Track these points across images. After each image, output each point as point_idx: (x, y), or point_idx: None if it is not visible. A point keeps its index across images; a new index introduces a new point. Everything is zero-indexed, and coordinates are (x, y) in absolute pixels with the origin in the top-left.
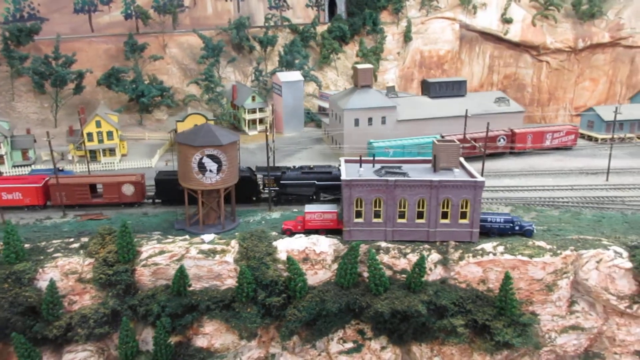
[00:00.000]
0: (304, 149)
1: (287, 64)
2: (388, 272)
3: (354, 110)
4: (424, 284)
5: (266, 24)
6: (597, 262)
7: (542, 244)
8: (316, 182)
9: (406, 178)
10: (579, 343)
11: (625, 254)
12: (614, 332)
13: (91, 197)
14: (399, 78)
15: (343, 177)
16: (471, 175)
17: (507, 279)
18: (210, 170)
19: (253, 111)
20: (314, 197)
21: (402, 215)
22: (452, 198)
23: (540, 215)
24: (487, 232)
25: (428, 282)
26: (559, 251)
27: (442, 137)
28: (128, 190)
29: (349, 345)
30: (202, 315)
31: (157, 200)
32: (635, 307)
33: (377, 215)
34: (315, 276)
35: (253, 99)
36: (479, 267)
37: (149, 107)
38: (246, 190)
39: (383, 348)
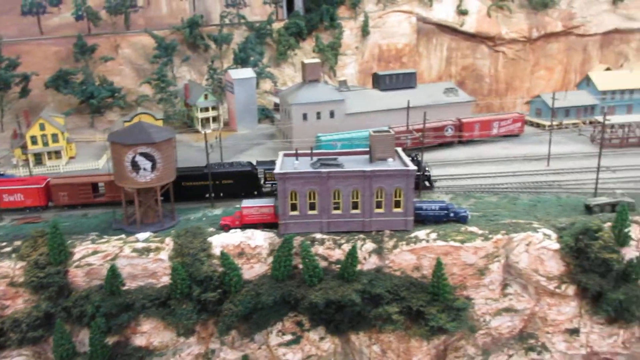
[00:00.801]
0: (256, 145)
1: (241, 62)
2: (323, 263)
3: (302, 105)
4: (357, 273)
5: (221, 22)
6: (527, 244)
7: (474, 229)
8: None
9: (339, 169)
10: (513, 325)
11: (554, 235)
12: (545, 313)
13: (93, 196)
14: (358, 72)
15: (276, 170)
16: (405, 165)
17: (438, 265)
18: (144, 169)
19: (206, 109)
20: None
21: (337, 207)
22: (385, 187)
23: (479, 202)
24: (423, 220)
25: (363, 272)
26: (490, 236)
27: (390, 128)
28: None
29: (288, 337)
30: (138, 314)
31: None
32: (563, 287)
33: (312, 207)
34: (252, 270)
35: (205, 97)
36: (412, 255)
37: (101, 108)
38: (247, 184)
39: (322, 338)
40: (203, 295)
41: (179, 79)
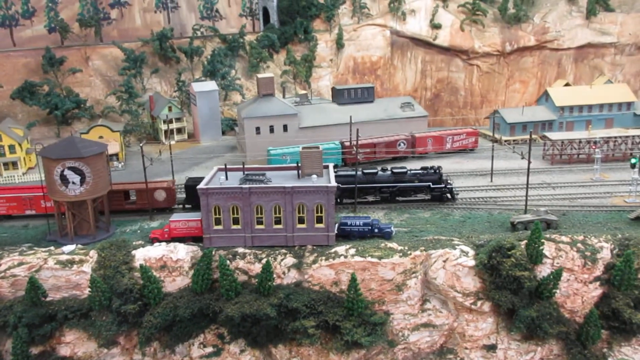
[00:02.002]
0: (215, 157)
1: (210, 74)
2: (243, 277)
3: (254, 119)
4: (273, 287)
5: (192, 35)
6: (444, 261)
7: (394, 245)
8: (340, 186)
9: (260, 185)
10: (433, 340)
11: (471, 252)
12: (463, 328)
13: (125, 204)
14: (333, 84)
15: (200, 185)
16: (329, 181)
17: (352, 280)
18: (73, 182)
19: (170, 121)
20: (338, 199)
21: (260, 222)
22: (306, 203)
23: (412, 217)
24: (348, 235)
25: (282, 286)
26: (409, 252)
27: (341, 143)
28: (160, 196)
29: (209, 349)
30: (61, 325)
31: (187, 205)
32: (479, 303)
33: (235, 222)
34: (174, 283)
35: (169, 109)
36: (331, 270)
37: (68, 119)
38: None
39: (242, 351)
40: (123, 307)
41: (149, 91)
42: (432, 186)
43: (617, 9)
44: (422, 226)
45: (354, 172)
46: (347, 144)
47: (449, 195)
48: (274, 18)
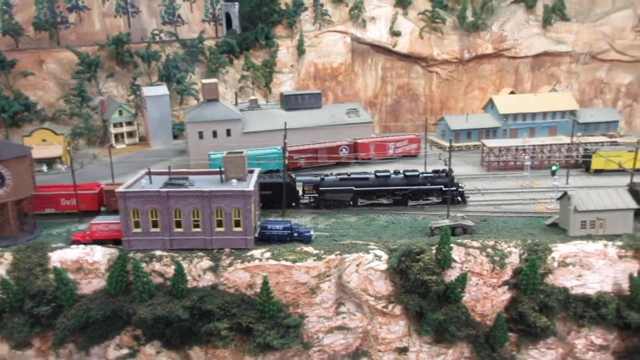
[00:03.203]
0: (162, 161)
1: (165, 79)
2: (159, 280)
3: (197, 123)
4: (186, 290)
5: (150, 39)
6: (357, 265)
7: (309, 249)
8: (354, 188)
9: (178, 189)
10: (347, 342)
11: (385, 257)
12: (377, 331)
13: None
14: (295, 90)
15: (118, 189)
16: (248, 186)
17: (264, 284)
18: None
19: (120, 125)
20: (352, 202)
21: (179, 225)
22: (224, 207)
23: (338, 221)
24: (268, 239)
25: (197, 288)
26: (323, 256)
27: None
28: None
29: (125, 351)
30: None
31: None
32: (390, 306)
33: (155, 225)
34: (90, 285)
35: (120, 112)
36: (246, 273)
37: (18, 122)
38: (287, 196)
39: (158, 353)
40: (35, 309)
41: (106, 95)
42: (443, 189)
43: (572, 18)
44: (344, 231)
45: (367, 176)
46: (290, 149)
47: (459, 198)
48: (235, 24)
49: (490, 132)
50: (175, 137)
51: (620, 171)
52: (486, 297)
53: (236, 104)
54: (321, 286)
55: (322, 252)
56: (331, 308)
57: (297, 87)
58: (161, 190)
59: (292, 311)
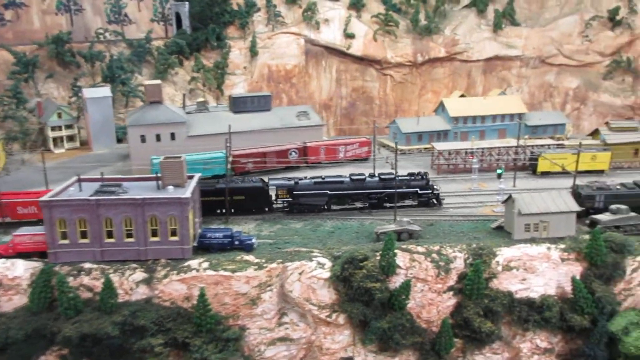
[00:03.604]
0: (104, 166)
1: (110, 80)
2: (87, 295)
3: (139, 127)
4: (115, 305)
5: (92, 39)
6: (300, 273)
7: (250, 258)
8: (329, 192)
9: (108, 197)
10: (291, 354)
11: (328, 264)
12: (321, 341)
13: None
14: (248, 92)
15: (42, 198)
16: (185, 193)
17: (201, 296)
18: None
19: (59, 128)
20: (326, 206)
21: (110, 235)
22: (159, 216)
23: (283, 227)
24: (208, 248)
25: (129, 303)
26: (265, 264)
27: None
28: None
29: None
30: None
31: None
32: (334, 315)
33: (84, 235)
34: (10, 302)
35: (59, 115)
36: (183, 285)
37: None
38: (258, 201)
39: None
40: None
41: (44, 96)
42: (419, 192)
43: (522, 23)
44: (289, 237)
45: (341, 179)
46: (236, 153)
47: (435, 200)
48: (186, 24)
49: (441, 135)
50: (119, 140)
51: (566, 173)
52: (431, 303)
53: (184, 107)
54: (262, 296)
55: (263, 260)
56: (273, 319)
57: (250, 89)
58: (90, 198)
59: (232, 323)
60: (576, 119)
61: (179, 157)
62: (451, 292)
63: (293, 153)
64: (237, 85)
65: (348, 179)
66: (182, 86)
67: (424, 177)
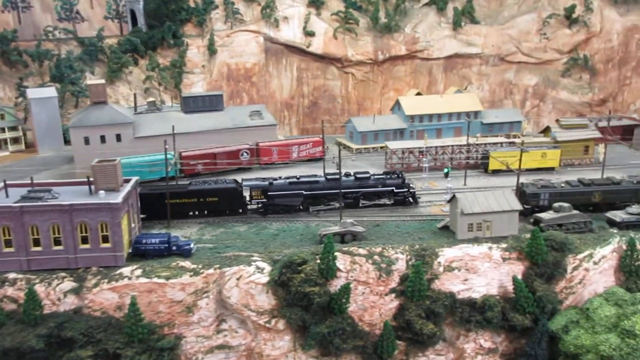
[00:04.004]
0: (48, 169)
1: (58, 79)
2: (12, 307)
3: (82, 128)
4: (40, 317)
5: (39, 37)
6: (238, 279)
7: (186, 264)
8: (304, 192)
9: (33, 203)
10: None
11: (268, 269)
12: (261, 348)
13: None
14: (207, 91)
15: None
16: (121, 197)
17: (132, 305)
18: None
19: (2, 130)
20: (301, 207)
21: (37, 243)
22: (89, 222)
23: (227, 231)
24: (144, 254)
25: (57, 313)
26: (201, 270)
27: (180, 154)
28: None
29: None
30: None
31: (141, 215)
32: (273, 321)
33: (8, 244)
34: None
35: (2, 117)
36: (114, 293)
37: None
38: (232, 202)
39: None
40: None
41: None
42: (395, 190)
43: (482, 21)
44: (231, 241)
45: (317, 179)
46: (185, 154)
47: (411, 199)
48: (141, 21)
49: (398, 134)
50: (67, 142)
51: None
52: (373, 306)
53: (135, 107)
54: (198, 303)
55: (200, 266)
56: (211, 326)
57: (209, 88)
58: (13, 205)
59: (168, 332)
60: (536, 116)
61: (113, 161)
62: (393, 295)
63: (245, 154)
64: (196, 84)
65: (324, 179)
66: (137, 85)
67: (400, 175)
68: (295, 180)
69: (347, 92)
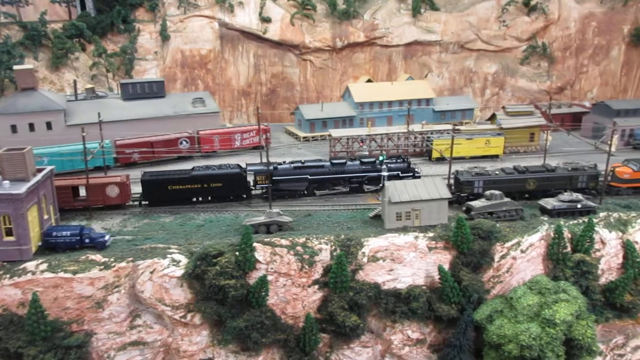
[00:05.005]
0: None
1: None
2: None
3: (8, 116)
4: None
5: None
6: (151, 272)
7: (97, 257)
8: (309, 177)
9: None
10: (145, 358)
11: (185, 261)
12: (178, 343)
13: (74, 201)
14: (161, 78)
15: None
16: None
17: (33, 302)
18: None
19: None
20: (306, 192)
21: None
22: None
23: (151, 222)
24: (54, 247)
25: None
26: (112, 264)
27: (114, 142)
28: (112, 191)
29: None
30: None
31: (144, 202)
32: (189, 316)
33: None
34: None
35: None
36: (17, 289)
37: None
38: (236, 188)
39: None
40: None
41: None
42: (400, 175)
43: (442, 8)
44: (153, 233)
45: (322, 163)
46: (120, 143)
47: None
48: (90, 5)
49: (347, 121)
50: None
51: (460, 159)
52: (296, 298)
53: (75, 94)
54: (109, 299)
55: (111, 259)
56: (124, 322)
57: (163, 74)
58: None
59: (76, 329)
60: (496, 103)
61: (22, 149)
62: (316, 286)
63: (184, 142)
64: (149, 71)
65: (329, 163)
66: (85, 72)
67: (405, 160)
68: (300, 164)
69: (306, 80)
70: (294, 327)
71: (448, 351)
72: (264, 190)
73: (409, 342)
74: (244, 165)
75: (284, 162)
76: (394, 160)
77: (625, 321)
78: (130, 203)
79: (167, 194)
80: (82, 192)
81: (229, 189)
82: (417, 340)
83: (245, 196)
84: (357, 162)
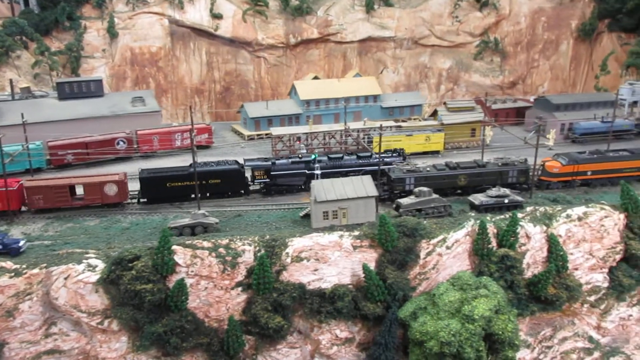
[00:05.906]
0: None
1: None
2: None
3: None
4: None
5: None
6: (65, 278)
7: (7, 264)
8: (307, 172)
9: None
10: None
11: (101, 266)
12: (97, 351)
13: (71, 200)
14: (110, 77)
15: None
16: None
17: None
18: None
19: None
20: (304, 187)
21: None
22: None
23: (75, 226)
24: None
25: None
26: (24, 271)
27: (47, 143)
28: (110, 190)
29: None
30: None
31: (142, 200)
32: (107, 322)
33: None
34: None
35: None
36: None
37: None
38: (234, 184)
39: None
40: None
41: None
42: None
43: (395, 4)
44: (74, 237)
45: (319, 158)
46: (53, 144)
47: None
48: (33, 2)
49: (293, 119)
50: None
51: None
52: (219, 301)
53: (12, 94)
54: (20, 307)
55: (23, 266)
56: (39, 330)
57: (112, 73)
58: None
59: None
60: (450, 99)
61: None
62: (240, 288)
63: (121, 142)
64: (98, 69)
65: (326, 158)
66: (27, 71)
67: (401, 154)
68: (297, 160)
69: (261, 77)
70: (219, 330)
71: (374, 349)
72: (262, 185)
73: (337, 342)
74: (241, 162)
75: (282, 158)
76: (390, 154)
77: (552, 314)
78: (129, 201)
79: (166, 191)
80: (80, 191)
81: (227, 185)
82: (346, 340)
83: (243, 192)
84: (354, 157)
